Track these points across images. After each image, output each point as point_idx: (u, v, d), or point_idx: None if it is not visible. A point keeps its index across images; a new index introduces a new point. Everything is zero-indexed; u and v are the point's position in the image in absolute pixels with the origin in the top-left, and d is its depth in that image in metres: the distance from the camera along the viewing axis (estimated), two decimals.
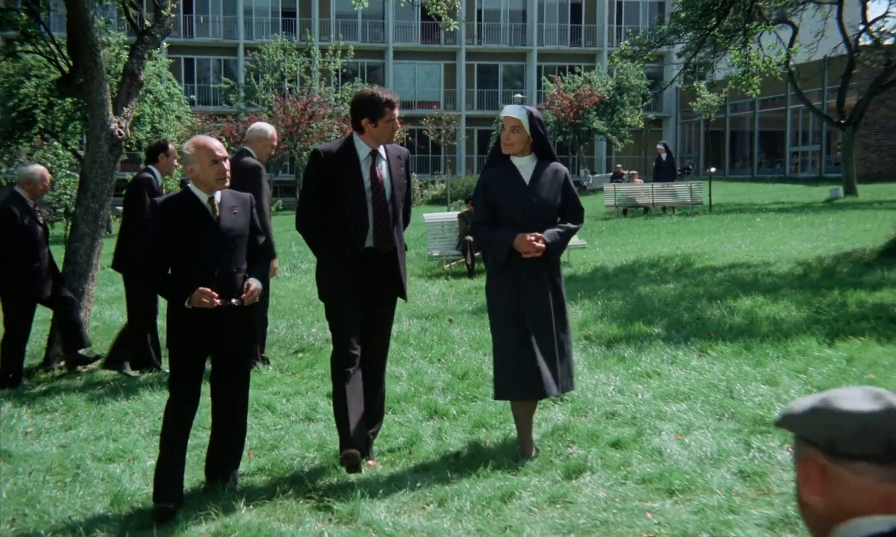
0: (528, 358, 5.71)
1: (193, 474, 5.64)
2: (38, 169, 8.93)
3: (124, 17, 10.83)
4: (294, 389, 7.75)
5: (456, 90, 53.42)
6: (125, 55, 21.91)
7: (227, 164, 5.38)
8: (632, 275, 13.54)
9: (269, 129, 8.84)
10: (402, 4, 11.80)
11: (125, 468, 5.98)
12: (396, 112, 5.72)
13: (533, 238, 5.73)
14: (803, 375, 7.17)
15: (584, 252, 16.21)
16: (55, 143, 29.22)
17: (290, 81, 44.35)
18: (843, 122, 26.74)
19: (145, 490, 5.53)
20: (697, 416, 6.37)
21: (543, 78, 47.62)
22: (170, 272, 5.39)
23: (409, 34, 52.61)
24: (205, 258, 5.29)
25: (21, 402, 7.78)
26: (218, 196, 5.38)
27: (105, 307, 12.81)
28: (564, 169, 6.08)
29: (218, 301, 5.20)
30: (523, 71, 54.01)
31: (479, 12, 53.58)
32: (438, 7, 11.91)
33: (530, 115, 5.90)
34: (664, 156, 28.60)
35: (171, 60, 34.50)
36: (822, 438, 1.85)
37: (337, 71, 44.23)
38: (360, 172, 5.72)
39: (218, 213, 5.35)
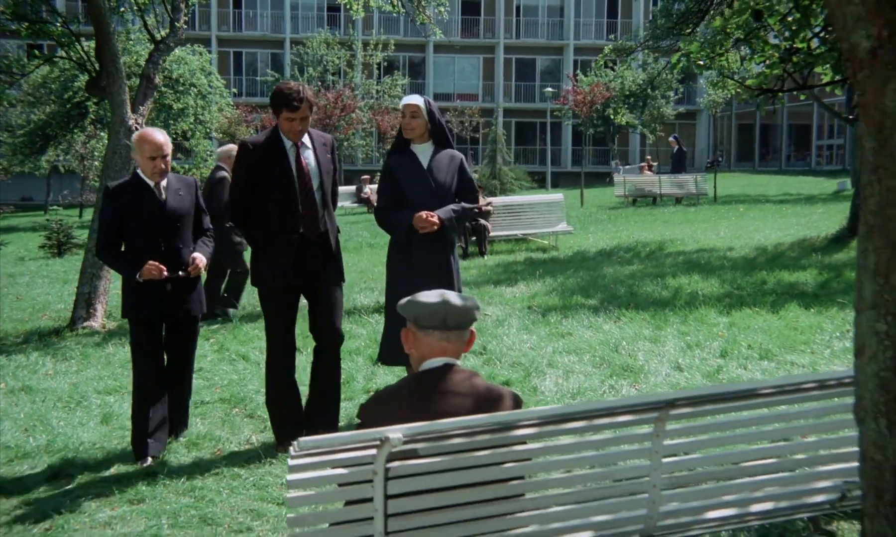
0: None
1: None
2: (231, 146, 11.07)
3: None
4: None
5: (494, 83, 54.78)
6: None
7: (163, 162, 5.91)
8: (606, 258, 14.86)
9: None
10: (396, 12, 13.17)
11: (118, 398, 7.52)
12: (297, 114, 5.88)
13: (428, 216, 6.22)
14: (686, 335, 8.53)
15: (571, 237, 17.56)
16: (103, 134, 31.11)
17: (332, 74, 46.00)
18: (850, 117, 27.58)
19: (130, 413, 7.09)
20: (582, 365, 7.78)
21: (578, 71, 48.79)
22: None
23: (449, 28, 53.97)
24: (153, 236, 5.89)
25: (46, 353, 9.41)
26: (164, 180, 6.00)
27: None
28: (460, 155, 6.56)
29: (166, 272, 5.83)
30: (560, 65, 55.16)
31: (518, 8, 54.92)
32: (424, 17, 13.33)
33: (427, 103, 6.38)
34: (675, 148, 29.78)
35: (211, 55, 36.17)
36: (412, 317, 3.34)
37: (378, 64, 45.88)
38: (287, 162, 5.99)
39: (164, 196, 5.96)
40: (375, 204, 6.63)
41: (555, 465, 3.27)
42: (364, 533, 3.04)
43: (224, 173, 10.64)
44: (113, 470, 5.81)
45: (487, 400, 3.25)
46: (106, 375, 8.34)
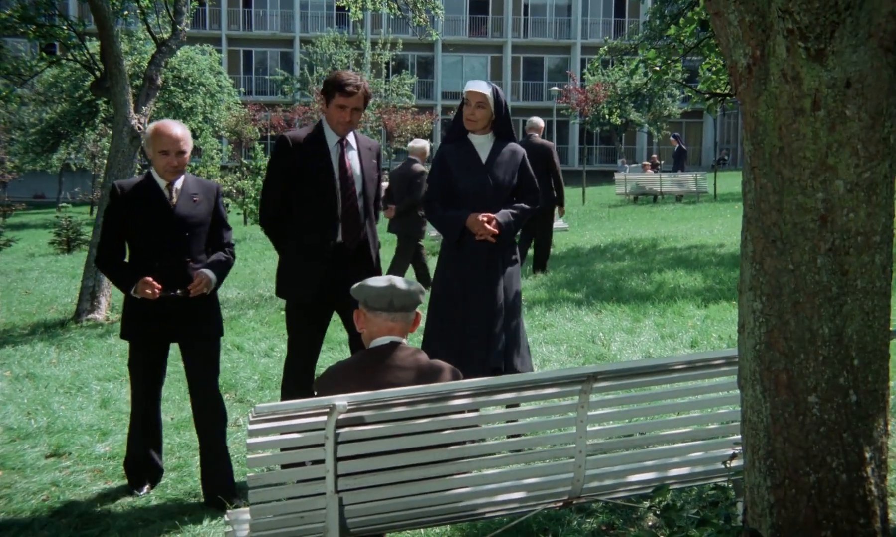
0: (457, 338, 5.62)
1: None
2: (425, 142, 12.18)
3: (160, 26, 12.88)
4: (263, 335, 9.69)
5: (502, 82, 55.10)
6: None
7: (177, 159, 5.15)
8: (599, 254, 15.22)
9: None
10: (392, 15, 13.55)
11: (117, 385, 7.92)
12: (350, 101, 5.27)
13: (486, 219, 5.61)
14: (661, 327, 8.89)
15: (568, 234, 17.92)
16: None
17: None
18: None
19: (127, 398, 7.49)
20: (558, 354, 8.14)
21: (585, 70, 49.09)
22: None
23: (457, 28, 54.40)
24: (157, 246, 5.15)
25: (51, 343, 9.84)
26: (179, 182, 5.23)
27: None
28: (522, 150, 5.91)
29: (158, 291, 5.04)
30: (568, 64, 55.46)
31: (526, 7, 55.30)
32: (419, 19, 13.71)
33: (496, 93, 5.75)
34: (676, 147, 30.14)
35: (221, 54, 36.67)
36: (363, 300, 3.73)
37: (387, 63, 46.30)
38: (329, 161, 5.37)
39: (175, 201, 5.19)
40: (425, 194, 6.03)
41: (491, 432, 3.65)
42: (316, 492, 3.42)
43: (419, 166, 11.67)
44: (108, 449, 6.21)
45: (429, 373, 3.63)
46: (106, 364, 8.74)
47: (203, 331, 5.31)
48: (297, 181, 5.36)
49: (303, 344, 5.47)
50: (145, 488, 5.39)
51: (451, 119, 6.27)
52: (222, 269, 5.35)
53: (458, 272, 5.70)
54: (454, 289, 5.68)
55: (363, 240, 5.49)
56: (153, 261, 5.12)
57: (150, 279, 5.02)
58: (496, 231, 5.60)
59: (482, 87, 5.70)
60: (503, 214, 5.67)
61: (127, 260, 5.33)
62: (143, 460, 5.42)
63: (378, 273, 5.46)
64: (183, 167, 5.24)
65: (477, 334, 5.60)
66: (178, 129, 5.20)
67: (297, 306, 5.49)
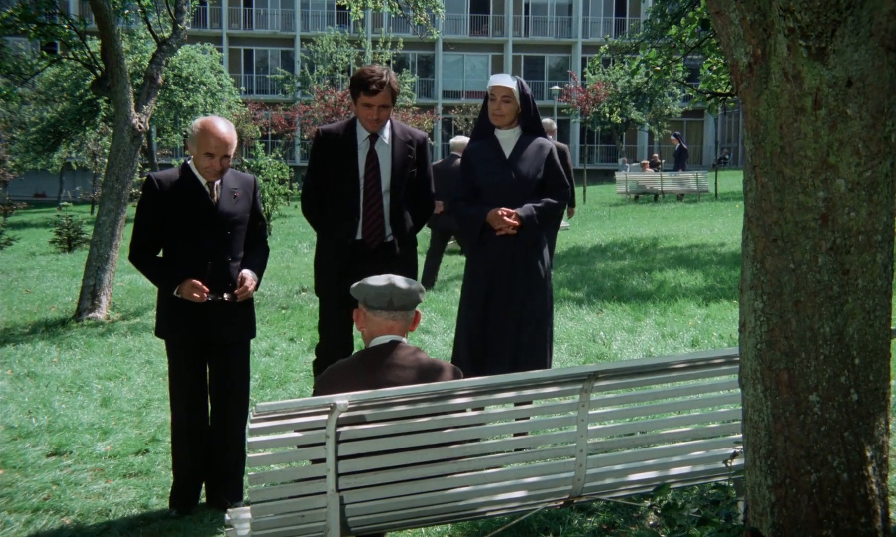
0: (479, 339, 5.59)
1: None
2: (466, 138, 12.10)
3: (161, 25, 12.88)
4: (264, 334, 9.67)
5: None
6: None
7: (221, 163, 4.90)
8: (600, 253, 15.21)
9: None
10: (392, 14, 13.55)
11: (118, 384, 7.93)
12: (375, 100, 5.17)
13: (505, 213, 5.50)
14: (662, 326, 8.89)
15: (568, 233, 17.90)
16: None
17: (342, 72, 46.44)
18: None
19: (128, 397, 7.52)
20: (559, 353, 8.12)
21: (585, 69, 49.07)
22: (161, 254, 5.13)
23: (458, 26, 54.41)
24: (199, 245, 4.91)
25: (52, 342, 9.83)
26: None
27: (129, 271, 14.78)
28: (550, 144, 5.81)
29: (207, 296, 4.86)
30: (569, 63, 55.46)
31: (527, 6, 55.31)
32: (420, 18, 13.71)
33: (521, 86, 5.67)
34: (677, 146, 30.15)
35: (221, 53, 36.67)
36: (362, 299, 3.73)
37: (388, 62, 46.32)
38: (355, 156, 5.33)
39: (217, 197, 4.96)
40: (454, 193, 5.93)
41: (491, 431, 3.65)
42: (317, 491, 3.42)
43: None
44: (108, 448, 6.21)
45: (429, 372, 3.63)
46: (107, 362, 8.74)
47: (241, 334, 5.12)
48: (326, 176, 5.37)
49: (326, 343, 5.47)
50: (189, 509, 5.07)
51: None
52: (262, 267, 5.20)
53: (481, 271, 5.63)
54: (477, 288, 5.63)
55: (389, 241, 5.39)
56: (199, 263, 4.89)
57: (197, 282, 4.83)
58: (516, 223, 5.48)
59: (507, 81, 5.62)
60: (525, 208, 5.54)
61: (161, 257, 5.13)
62: (188, 482, 5.09)
63: (400, 271, 4.97)
64: (226, 171, 5.00)
65: (495, 338, 5.54)
66: (225, 128, 4.91)
67: (322, 302, 5.51)
